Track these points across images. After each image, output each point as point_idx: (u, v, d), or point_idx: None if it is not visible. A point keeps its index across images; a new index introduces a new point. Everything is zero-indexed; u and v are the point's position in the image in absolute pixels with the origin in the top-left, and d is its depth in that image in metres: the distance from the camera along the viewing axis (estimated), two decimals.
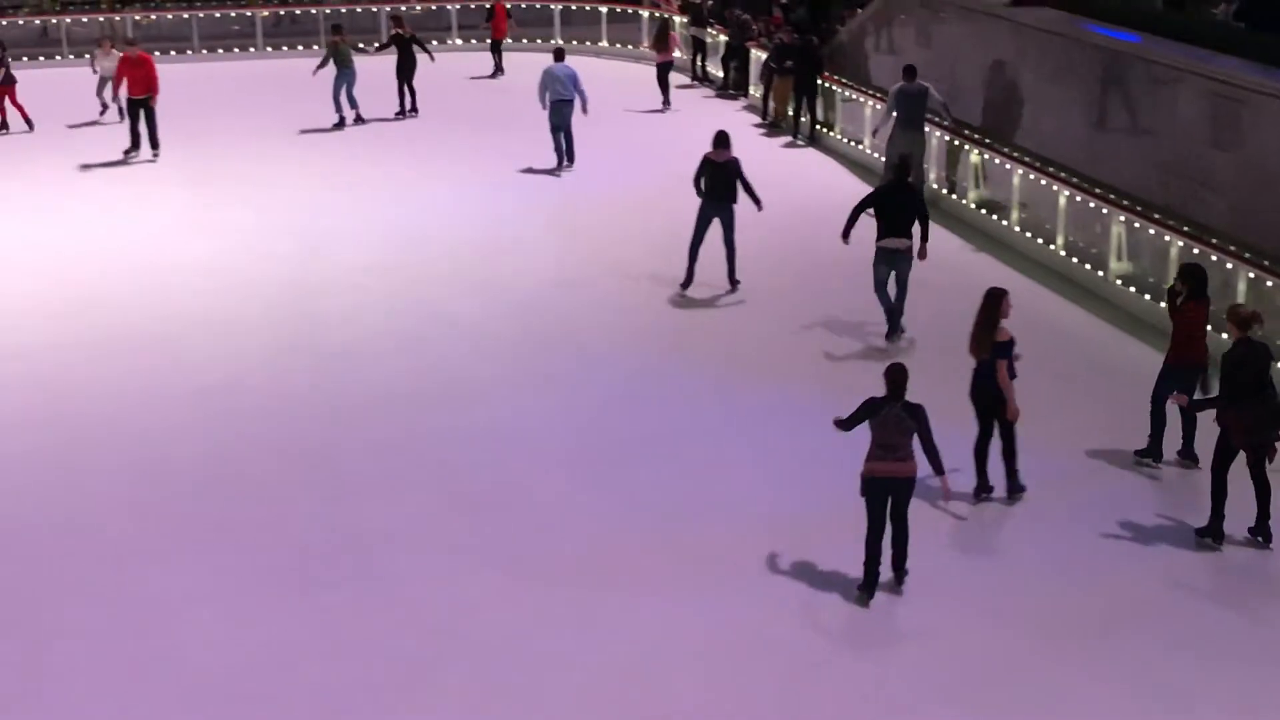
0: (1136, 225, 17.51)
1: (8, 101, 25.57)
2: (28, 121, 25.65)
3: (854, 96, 24.75)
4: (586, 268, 19.04)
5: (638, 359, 16.20)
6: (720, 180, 17.50)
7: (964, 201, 20.93)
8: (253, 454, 13.98)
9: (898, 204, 16.25)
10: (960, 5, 24.89)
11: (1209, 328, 13.68)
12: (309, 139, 25.68)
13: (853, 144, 24.47)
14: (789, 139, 25.68)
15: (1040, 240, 19.14)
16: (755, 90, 28.01)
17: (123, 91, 24.22)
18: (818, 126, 25.39)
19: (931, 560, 11.87)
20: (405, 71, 27.01)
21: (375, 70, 27.05)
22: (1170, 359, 13.35)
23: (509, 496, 13.18)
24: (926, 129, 21.45)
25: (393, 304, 17.77)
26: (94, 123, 26.38)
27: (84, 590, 11.68)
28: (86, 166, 23.44)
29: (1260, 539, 12.26)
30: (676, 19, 31.05)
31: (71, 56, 31.61)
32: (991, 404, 12.69)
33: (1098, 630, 11.13)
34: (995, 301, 12.72)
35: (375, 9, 34.00)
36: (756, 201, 17.65)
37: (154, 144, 23.80)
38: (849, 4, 29.65)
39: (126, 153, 23.74)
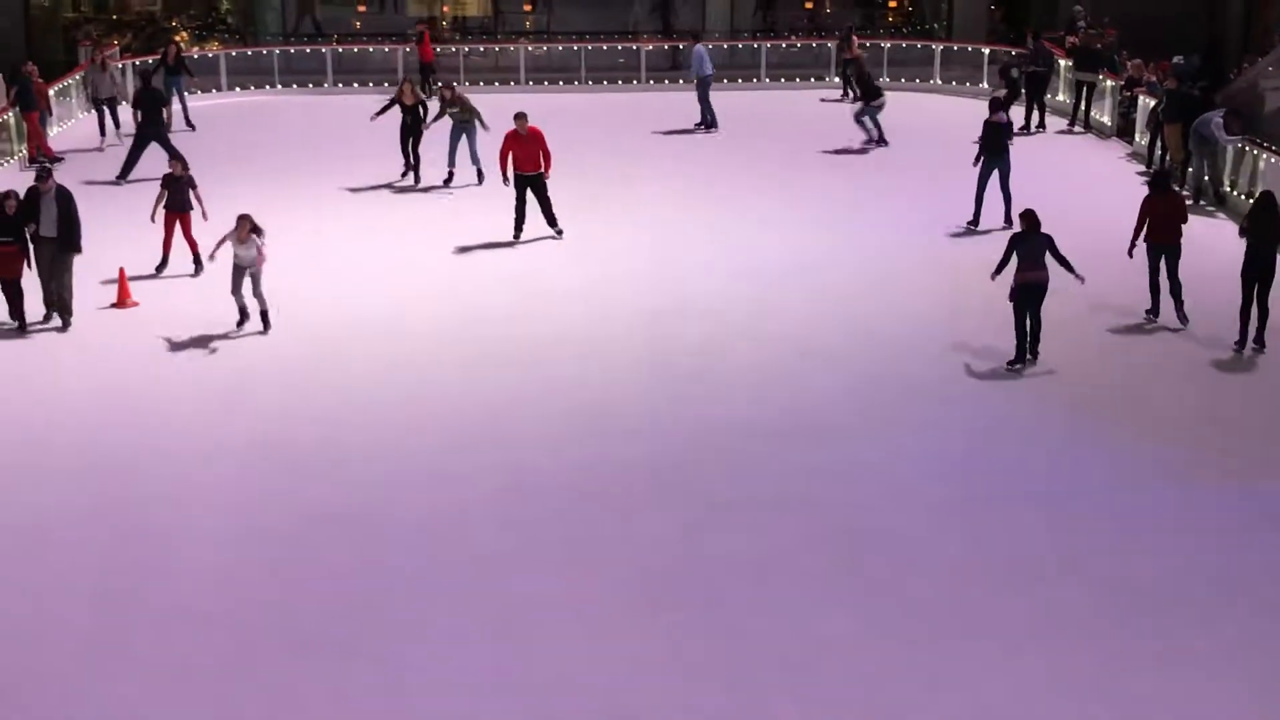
0: None
1: (179, 233, 19.87)
2: (196, 260, 19.84)
3: (1245, 146, 23.62)
4: (956, 308, 18.78)
5: (1002, 403, 15.93)
6: (996, 137, 22.11)
7: None
8: (616, 473, 14.31)
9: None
10: None
11: None
12: (682, 167, 26.12)
13: (1243, 197, 23.39)
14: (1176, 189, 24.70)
15: None
16: (1140, 137, 27.12)
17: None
18: (1205, 179, 24.34)
19: None
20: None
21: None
22: None
23: (866, 535, 13.10)
24: None
25: (758, 336, 17.90)
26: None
27: (446, 592, 12.18)
28: (468, 191, 24.18)
29: None
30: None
31: (467, 84, 33.08)
32: (1260, 276, 16.76)
33: None
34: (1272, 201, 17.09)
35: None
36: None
37: (551, 221, 21.51)
38: (1248, 50, 28.41)
39: (515, 237, 21.47)
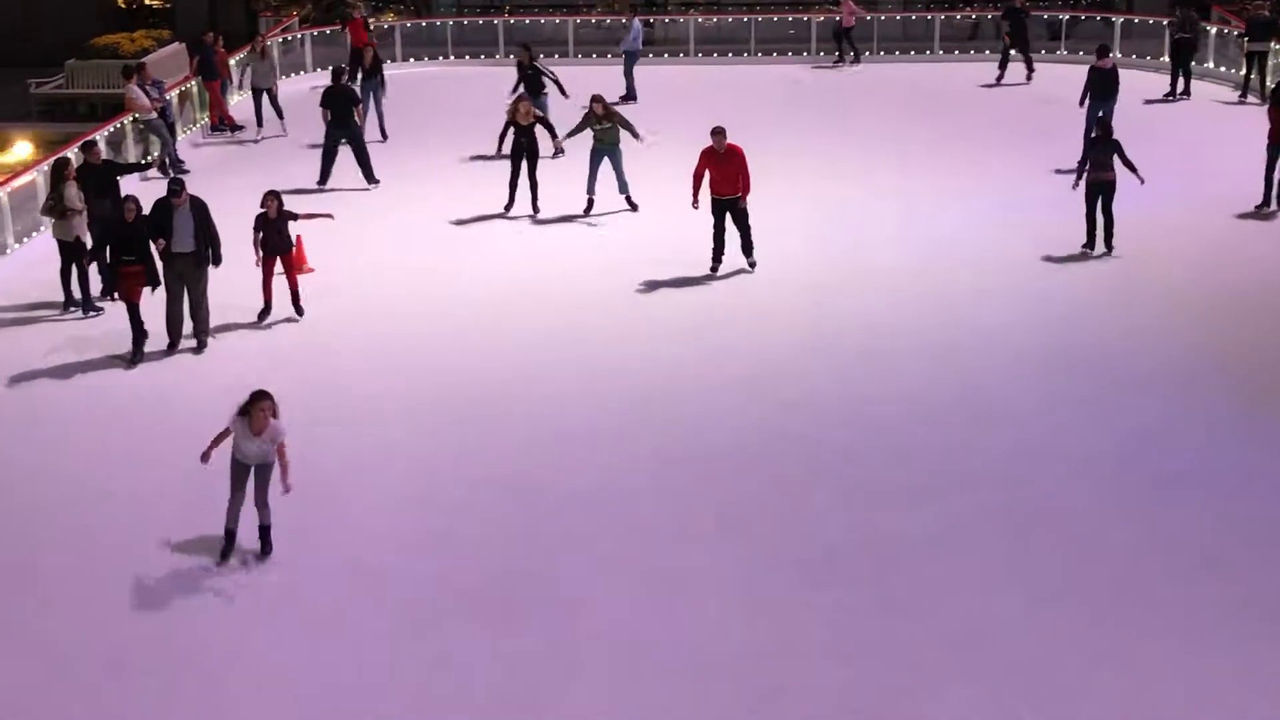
0: None
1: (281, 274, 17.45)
2: (296, 302, 17.59)
3: None
4: (1123, 285, 18.39)
5: (1176, 385, 15.53)
6: (1105, 82, 23.88)
7: None
8: (780, 447, 14.27)
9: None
10: None
11: None
12: (848, 140, 25.82)
13: None
14: None
15: None
16: None
17: None
18: None
19: None
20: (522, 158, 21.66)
21: None
22: None
23: (1032, 516, 12.88)
24: None
25: (921, 312, 17.69)
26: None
27: (605, 560, 12.26)
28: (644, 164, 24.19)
29: None
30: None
31: (609, 57, 33.00)
32: None
33: None
34: None
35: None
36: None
37: (748, 249, 19.14)
38: None
39: (713, 269, 19.07)
